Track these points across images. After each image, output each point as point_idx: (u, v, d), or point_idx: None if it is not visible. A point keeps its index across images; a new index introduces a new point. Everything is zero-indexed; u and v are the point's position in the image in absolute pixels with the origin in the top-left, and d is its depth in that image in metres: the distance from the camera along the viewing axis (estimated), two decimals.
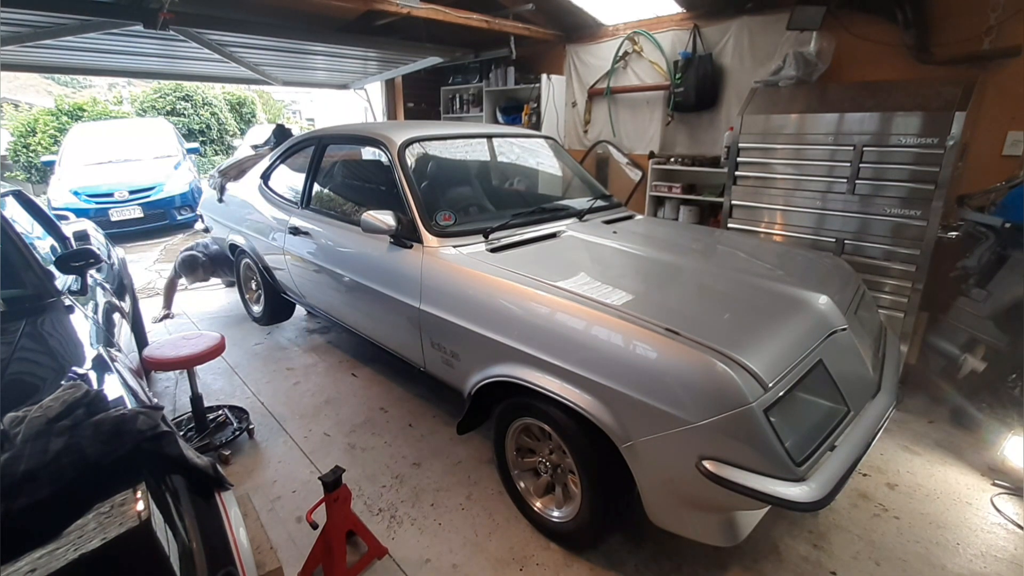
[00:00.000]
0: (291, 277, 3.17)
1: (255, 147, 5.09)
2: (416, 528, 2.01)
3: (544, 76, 5.07)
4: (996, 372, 2.49)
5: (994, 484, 2.21)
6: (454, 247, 2.15)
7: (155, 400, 1.58)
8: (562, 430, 1.71)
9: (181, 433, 2.35)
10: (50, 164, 7.66)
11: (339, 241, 2.66)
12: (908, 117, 2.68)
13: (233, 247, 3.77)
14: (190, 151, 8.50)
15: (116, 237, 4.33)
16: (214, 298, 4.79)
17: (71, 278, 2.12)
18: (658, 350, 1.44)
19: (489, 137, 3.12)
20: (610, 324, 1.55)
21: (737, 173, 3.39)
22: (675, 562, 1.83)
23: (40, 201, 3.09)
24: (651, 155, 4.61)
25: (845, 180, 2.93)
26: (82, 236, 2.93)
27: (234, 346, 3.63)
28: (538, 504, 1.96)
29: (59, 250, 2.49)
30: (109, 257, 2.96)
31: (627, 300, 1.66)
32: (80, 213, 5.18)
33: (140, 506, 0.98)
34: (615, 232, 2.44)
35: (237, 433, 2.52)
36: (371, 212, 2.20)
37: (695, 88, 4.12)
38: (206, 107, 13.99)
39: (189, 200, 7.45)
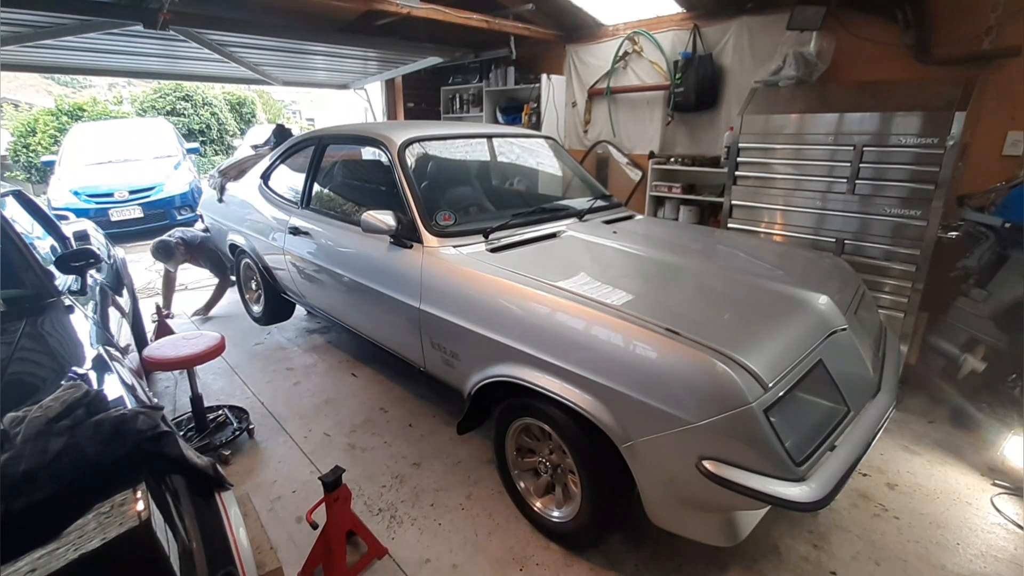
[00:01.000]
0: (291, 277, 3.17)
1: (255, 147, 5.10)
2: (416, 528, 2.01)
3: (544, 76, 5.07)
4: (996, 372, 2.49)
5: (994, 484, 2.21)
6: (454, 247, 2.15)
7: (155, 400, 1.58)
8: (562, 430, 1.71)
9: (181, 433, 2.35)
10: (50, 164, 7.66)
11: (339, 241, 2.66)
12: (908, 117, 2.68)
13: (233, 247, 3.77)
14: (190, 151, 8.50)
15: (116, 237, 4.34)
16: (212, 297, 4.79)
17: (71, 278, 2.12)
18: (658, 350, 1.44)
19: (489, 137, 3.12)
20: (610, 324, 1.55)
21: (737, 173, 3.39)
22: (675, 562, 1.83)
23: (40, 201, 3.10)
24: (651, 155, 4.61)
25: (845, 180, 2.93)
26: (82, 236, 2.93)
27: (234, 346, 3.63)
28: (538, 504, 1.96)
29: (59, 250, 2.49)
30: (109, 257, 2.96)
31: (627, 300, 1.66)
32: (80, 213, 5.19)
33: (140, 506, 0.98)
34: (615, 232, 2.44)
35: (237, 433, 2.52)
36: (371, 212, 2.20)
37: (695, 88, 4.12)
38: (206, 107, 13.99)
39: (189, 200, 7.45)
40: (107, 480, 1.02)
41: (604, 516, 1.73)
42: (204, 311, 4.30)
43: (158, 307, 3.52)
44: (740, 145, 3.32)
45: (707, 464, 1.35)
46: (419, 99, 6.66)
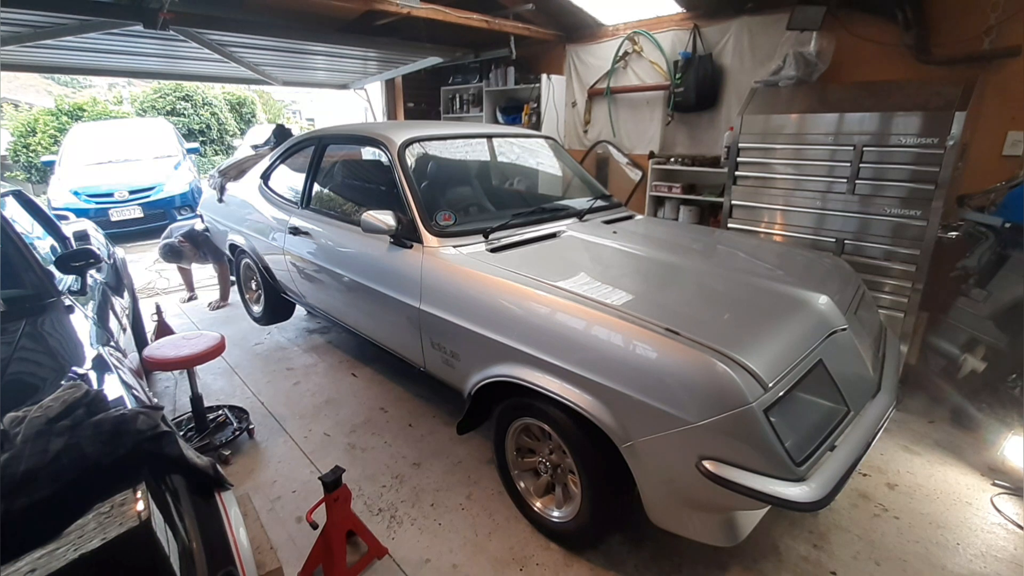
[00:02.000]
0: (291, 277, 3.17)
1: (255, 147, 5.11)
2: (416, 528, 2.01)
3: (544, 76, 5.07)
4: (996, 372, 2.49)
5: (994, 484, 2.21)
6: (454, 247, 2.15)
7: (155, 400, 1.58)
8: (562, 430, 1.71)
9: (181, 433, 2.36)
10: (50, 164, 7.67)
11: (339, 241, 2.66)
12: (908, 117, 2.68)
13: (233, 247, 3.77)
14: (190, 151, 8.50)
15: (116, 237, 4.34)
16: (213, 298, 4.79)
17: (71, 278, 2.12)
18: (658, 350, 1.44)
19: (489, 137, 3.12)
20: (610, 324, 1.55)
21: (737, 173, 3.38)
22: (675, 562, 1.83)
23: (40, 201, 3.10)
24: (651, 155, 4.61)
25: (845, 180, 2.93)
26: (82, 236, 2.93)
27: (234, 346, 3.63)
28: (538, 504, 1.96)
29: (59, 250, 2.49)
30: (109, 257, 2.96)
31: (627, 300, 1.66)
32: (80, 213, 5.19)
33: (140, 506, 0.98)
34: (615, 232, 2.44)
35: (237, 433, 2.52)
36: (371, 212, 2.20)
37: (695, 88, 4.12)
38: (206, 107, 13.99)
39: (189, 200, 7.45)
40: (107, 480, 1.02)
41: (604, 516, 1.73)
42: (222, 299, 4.51)
43: (158, 307, 3.53)
44: (740, 145, 3.32)
45: (707, 464, 1.35)
46: (419, 99, 6.66)
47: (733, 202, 3.44)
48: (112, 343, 1.89)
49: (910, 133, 2.68)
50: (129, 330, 2.47)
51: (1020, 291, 2.38)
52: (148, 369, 2.47)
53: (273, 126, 5.27)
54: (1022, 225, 2.41)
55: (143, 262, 6.00)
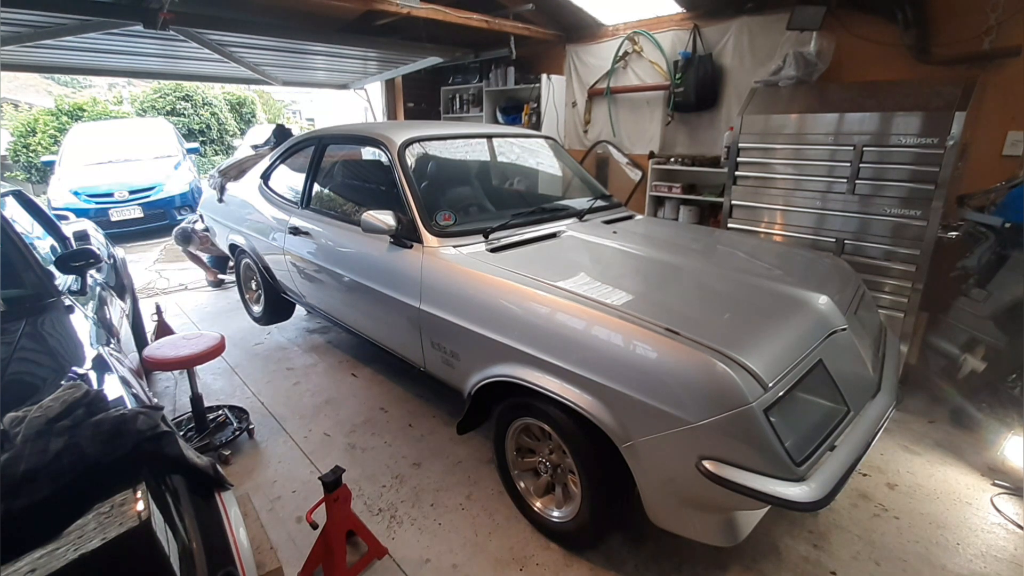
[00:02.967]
0: (291, 277, 3.17)
1: (255, 147, 5.16)
2: (416, 528, 2.01)
3: (544, 76, 5.07)
4: (996, 372, 2.49)
5: (994, 484, 2.21)
6: (454, 247, 2.15)
7: (155, 400, 1.58)
8: (562, 430, 1.71)
9: (181, 433, 2.35)
10: (50, 164, 7.66)
11: (339, 241, 2.66)
12: (908, 117, 2.68)
13: (233, 247, 3.77)
14: (190, 151, 8.50)
15: (116, 237, 4.34)
16: (214, 298, 4.79)
17: (71, 278, 2.12)
18: (658, 350, 1.44)
19: (489, 137, 3.11)
20: (610, 324, 1.55)
21: (737, 173, 3.39)
22: (675, 562, 1.83)
23: (40, 201, 3.10)
24: (651, 155, 4.61)
25: (845, 180, 2.93)
26: (82, 236, 2.93)
27: (234, 346, 3.63)
28: (538, 504, 1.96)
29: (59, 250, 2.49)
30: (109, 257, 2.96)
31: (627, 300, 1.66)
32: (80, 213, 5.19)
33: (140, 506, 0.98)
34: (615, 232, 2.44)
35: (237, 433, 2.52)
36: (371, 212, 2.20)
37: (695, 88, 4.12)
38: (206, 107, 13.99)
39: (189, 200, 7.45)
40: (107, 480, 1.02)
41: (604, 516, 1.73)
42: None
43: (158, 307, 3.54)
44: (740, 145, 3.32)
45: (707, 464, 1.35)
46: (419, 99, 6.66)
47: (733, 202, 3.44)
48: (112, 343, 1.89)
49: (910, 133, 2.68)
50: (129, 330, 2.47)
51: (1020, 291, 2.38)
52: (148, 369, 2.47)
53: (273, 126, 5.30)
54: (1022, 225, 2.41)
55: (143, 262, 6.00)
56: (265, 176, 3.43)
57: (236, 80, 7.74)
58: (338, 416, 2.78)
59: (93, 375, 1.46)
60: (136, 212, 7.03)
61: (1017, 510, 2.07)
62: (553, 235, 2.36)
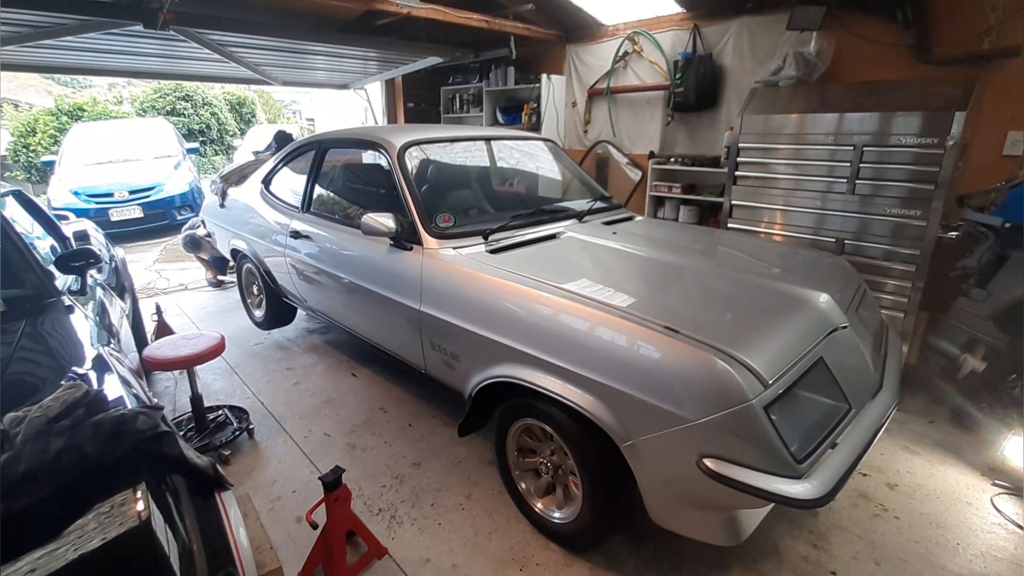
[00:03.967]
0: (292, 281, 3.16)
1: (256, 153, 5.24)
2: (416, 528, 2.01)
3: (544, 76, 5.07)
4: (996, 372, 2.49)
5: (994, 484, 2.21)
6: (454, 248, 2.15)
7: (155, 400, 1.58)
8: (563, 430, 1.71)
9: (181, 433, 2.35)
10: (50, 164, 7.66)
11: (340, 244, 2.66)
12: (908, 117, 2.68)
13: (235, 252, 3.76)
14: (190, 151, 8.50)
15: (116, 237, 4.34)
16: (214, 298, 4.79)
17: (71, 278, 2.12)
18: (658, 349, 1.44)
19: (488, 140, 3.11)
20: (610, 323, 1.55)
21: (737, 173, 3.39)
22: (675, 562, 1.83)
23: (40, 201, 3.09)
24: (651, 155, 4.61)
25: (845, 180, 2.93)
26: (82, 236, 2.93)
27: (234, 346, 3.63)
28: (539, 505, 1.96)
29: (59, 250, 2.49)
30: (109, 257, 2.96)
31: (627, 299, 1.66)
32: (80, 213, 5.19)
33: (140, 506, 0.98)
34: (615, 233, 2.44)
35: (237, 433, 2.52)
36: (371, 215, 2.21)
37: (695, 88, 4.12)
38: (206, 107, 13.99)
39: (189, 200, 7.45)
40: (107, 480, 1.02)
41: (606, 518, 1.72)
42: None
43: (158, 307, 3.54)
44: (740, 145, 3.32)
45: (708, 462, 1.35)
46: (419, 99, 6.66)
47: (733, 202, 3.44)
48: (112, 343, 1.89)
49: (910, 133, 2.68)
50: (129, 330, 2.47)
51: (1020, 291, 2.38)
52: (148, 369, 2.47)
53: (273, 127, 5.34)
54: (1022, 225, 2.41)
55: (143, 262, 6.00)
56: (266, 181, 3.43)
57: (236, 80, 7.74)
58: (338, 416, 2.78)
59: (93, 375, 1.46)
60: (136, 212, 7.03)
61: (1017, 510, 2.07)
62: (553, 236, 2.36)
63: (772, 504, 1.55)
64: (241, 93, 15.54)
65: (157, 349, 2.36)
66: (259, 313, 3.81)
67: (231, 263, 4.23)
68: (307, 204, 2.99)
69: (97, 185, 6.98)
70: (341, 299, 2.79)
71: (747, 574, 1.80)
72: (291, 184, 3.24)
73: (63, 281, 2.05)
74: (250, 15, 4.34)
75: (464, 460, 2.40)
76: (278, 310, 3.63)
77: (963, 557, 1.86)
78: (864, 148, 2.84)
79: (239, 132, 15.06)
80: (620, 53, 4.68)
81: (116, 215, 6.90)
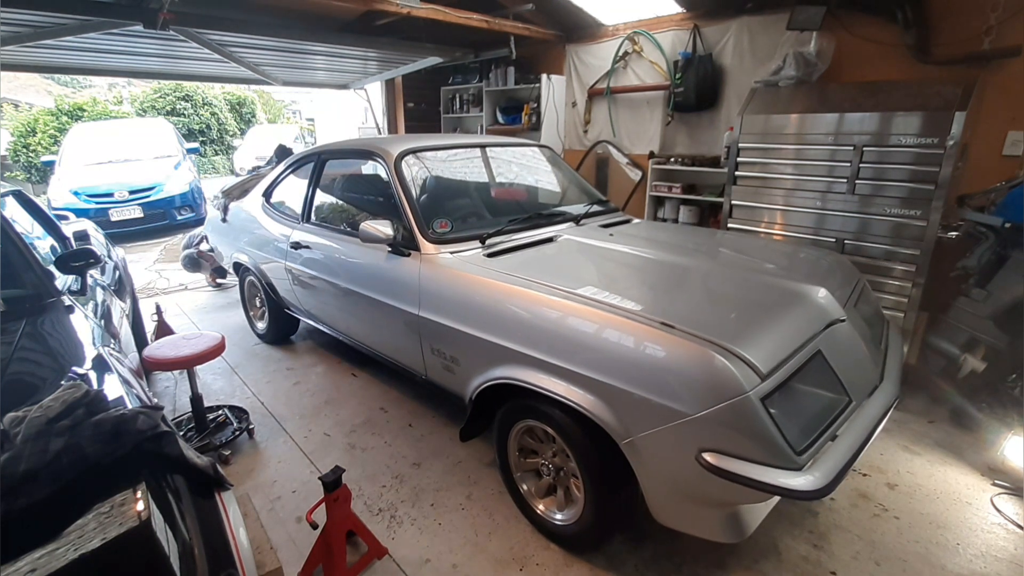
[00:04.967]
0: (294, 292, 3.16)
1: (257, 168, 5.33)
2: (416, 528, 2.01)
3: (544, 76, 5.07)
4: (996, 372, 2.49)
5: (994, 484, 2.21)
6: (451, 253, 2.15)
7: (155, 400, 1.58)
8: (563, 430, 1.71)
9: (181, 433, 2.35)
10: (50, 164, 7.67)
11: (340, 253, 2.66)
12: (908, 117, 2.68)
13: (237, 265, 3.76)
14: (190, 151, 8.50)
15: (116, 237, 4.34)
16: (213, 298, 4.79)
17: (71, 278, 2.12)
18: (653, 344, 1.44)
19: (484, 147, 3.10)
20: (606, 321, 1.55)
21: (737, 173, 3.39)
22: (675, 562, 1.83)
23: (40, 201, 3.09)
24: (651, 155, 4.61)
25: (845, 180, 2.93)
26: (82, 236, 2.93)
27: (234, 346, 3.63)
28: (541, 507, 1.96)
29: (59, 250, 2.49)
30: (109, 257, 2.96)
31: (623, 298, 1.66)
32: (80, 213, 5.19)
33: (140, 506, 0.98)
34: (612, 235, 2.44)
35: (237, 433, 2.52)
36: (369, 222, 2.22)
37: (695, 88, 4.12)
38: (206, 107, 14.00)
39: (189, 200, 7.45)
40: (107, 480, 1.02)
41: (608, 519, 1.73)
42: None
43: (158, 307, 3.54)
44: (740, 145, 3.32)
45: (707, 456, 1.35)
46: (419, 99, 6.66)
47: (733, 202, 3.44)
48: (112, 343, 1.89)
49: (910, 133, 2.68)
50: (129, 330, 2.47)
51: (1020, 291, 2.38)
52: (148, 369, 2.47)
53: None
54: (1022, 225, 2.41)
55: (143, 262, 6.01)
56: (267, 194, 3.43)
57: (236, 80, 7.74)
58: (338, 416, 2.78)
59: (93, 375, 1.46)
60: (136, 212, 7.03)
61: (1017, 510, 2.07)
62: (550, 239, 2.36)
63: (775, 500, 1.56)
64: (241, 93, 15.55)
65: (157, 349, 2.36)
66: (262, 325, 3.79)
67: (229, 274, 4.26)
68: (307, 215, 2.99)
69: (97, 185, 6.98)
70: (343, 308, 2.78)
71: (747, 574, 1.80)
72: (291, 196, 3.25)
73: (63, 281, 2.05)
74: (250, 15, 4.34)
75: (464, 460, 2.40)
76: (281, 322, 3.60)
77: (963, 557, 1.86)
78: (864, 148, 2.84)
79: (239, 132, 15.06)
80: (620, 53, 4.68)
81: (116, 215, 6.90)
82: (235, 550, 1.12)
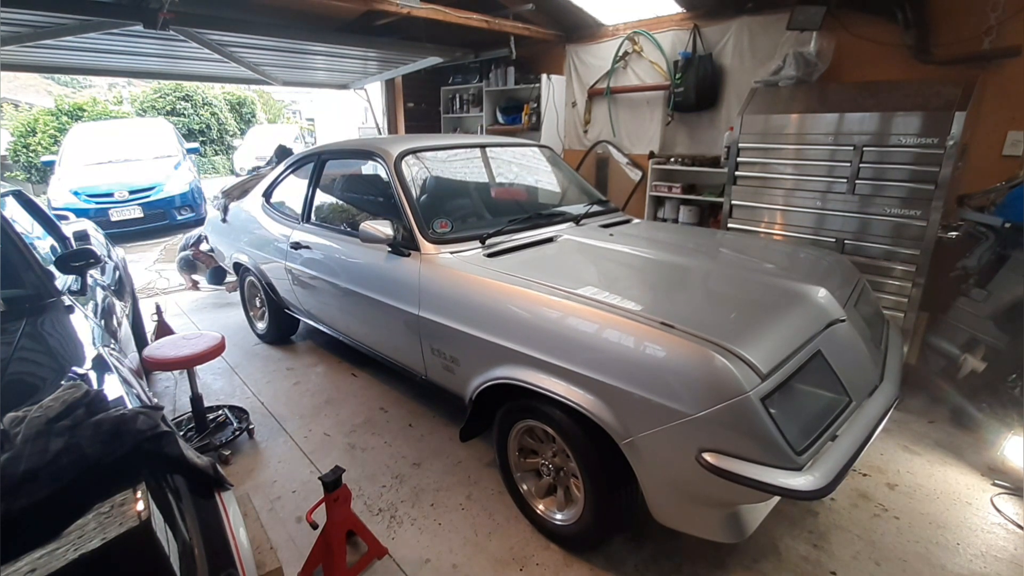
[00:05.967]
0: (294, 292, 3.16)
1: (257, 168, 5.31)
2: (416, 528, 2.01)
3: (544, 76, 5.08)
4: (996, 372, 2.49)
5: (994, 484, 2.21)
6: (451, 253, 2.15)
7: (155, 400, 1.58)
8: (563, 431, 1.71)
9: (181, 433, 2.35)
10: (50, 164, 7.67)
11: (340, 253, 2.66)
12: (908, 117, 2.68)
13: (237, 266, 3.76)
14: (190, 151, 8.50)
15: (116, 237, 4.34)
16: (214, 297, 4.79)
17: (71, 278, 2.12)
18: (653, 344, 1.44)
19: (484, 147, 3.10)
20: (606, 321, 1.55)
21: (737, 173, 3.39)
22: (675, 562, 1.83)
23: (40, 201, 3.09)
24: (651, 155, 4.61)
25: (845, 180, 2.93)
26: (82, 236, 2.93)
27: (234, 346, 3.63)
28: (541, 507, 1.96)
29: (59, 250, 2.49)
30: (109, 257, 2.96)
31: (623, 298, 1.66)
32: (80, 213, 5.19)
33: (140, 506, 0.98)
34: (612, 235, 2.44)
35: (237, 433, 2.52)
36: (369, 222, 2.22)
37: (695, 88, 4.12)
38: (206, 107, 14.01)
39: (189, 200, 7.45)
40: (107, 480, 1.02)
41: (608, 519, 1.72)
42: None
43: (158, 307, 3.54)
44: (740, 145, 3.32)
45: (707, 456, 1.35)
46: (419, 99, 6.66)
47: (733, 202, 3.44)
48: (112, 343, 1.89)
49: (910, 133, 2.68)
50: (129, 330, 2.47)
51: (1020, 291, 2.38)
52: (148, 369, 2.47)
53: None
54: (1022, 225, 2.41)
55: (143, 262, 6.01)
56: (267, 194, 3.43)
57: (236, 80, 7.74)
58: (338, 416, 2.78)
59: (93, 375, 1.46)
60: (136, 212, 7.03)
61: (1017, 510, 2.07)
62: (550, 239, 2.36)
63: (775, 500, 1.56)
64: (241, 93, 15.55)
65: (157, 349, 2.36)
66: (262, 325, 3.79)
67: (228, 276, 4.24)
68: (307, 215, 2.99)
69: (97, 185, 6.98)
70: (343, 308, 2.78)
71: (747, 574, 1.80)
72: (291, 196, 3.24)
73: (63, 281, 2.05)
74: (250, 15, 4.34)
75: (464, 460, 2.40)
76: (281, 322, 3.60)
77: (963, 557, 1.86)
78: (864, 148, 2.84)
79: (239, 132, 15.07)
80: (620, 53, 4.68)
81: (116, 215, 6.90)
82: (235, 550, 1.12)
